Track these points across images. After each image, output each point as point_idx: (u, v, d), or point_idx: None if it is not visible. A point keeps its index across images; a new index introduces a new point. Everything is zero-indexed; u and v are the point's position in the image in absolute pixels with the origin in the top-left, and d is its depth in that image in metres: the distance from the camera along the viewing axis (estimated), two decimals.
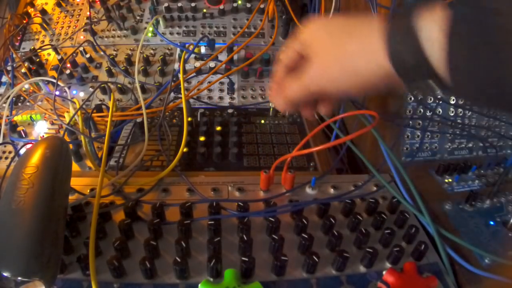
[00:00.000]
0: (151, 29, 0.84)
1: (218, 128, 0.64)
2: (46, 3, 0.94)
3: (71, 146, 0.58)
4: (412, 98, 0.61)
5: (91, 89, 0.73)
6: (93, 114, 0.63)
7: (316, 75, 0.36)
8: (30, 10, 0.92)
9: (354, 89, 0.35)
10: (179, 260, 0.38)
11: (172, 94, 0.69)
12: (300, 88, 0.38)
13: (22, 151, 0.54)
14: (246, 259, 0.39)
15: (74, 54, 0.79)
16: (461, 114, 0.65)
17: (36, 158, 0.38)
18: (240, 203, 0.46)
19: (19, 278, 0.33)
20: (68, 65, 0.77)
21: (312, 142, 0.63)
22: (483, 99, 0.28)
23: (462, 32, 0.26)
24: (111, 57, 0.78)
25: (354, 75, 0.34)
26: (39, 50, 0.81)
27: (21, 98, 0.71)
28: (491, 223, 0.50)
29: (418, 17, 0.29)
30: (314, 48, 0.36)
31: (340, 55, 0.34)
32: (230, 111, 0.69)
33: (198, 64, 0.78)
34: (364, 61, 0.32)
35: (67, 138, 0.61)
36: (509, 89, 0.26)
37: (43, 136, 0.64)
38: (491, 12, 0.24)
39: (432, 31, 0.28)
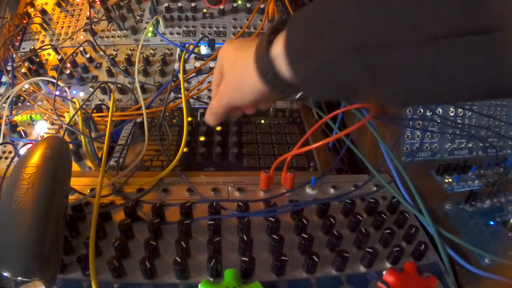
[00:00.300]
0: (151, 29, 0.84)
1: (218, 128, 0.64)
2: (46, 3, 0.94)
3: (71, 146, 0.58)
4: None
5: (91, 89, 0.73)
6: (93, 114, 0.63)
7: (223, 91, 0.42)
8: (30, 10, 0.92)
9: (250, 101, 0.40)
10: (179, 260, 0.38)
11: (172, 94, 0.69)
12: (217, 103, 0.44)
13: (22, 151, 0.54)
14: (246, 259, 0.39)
15: (74, 54, 0.79)
16: (461, 114, 0.65)
17: (36, 158, 0.38)
18: (240, 203, 0.46)
19: (19, 278, 0.33)
20: (68, 65, 0.77)
21: (312, 141, 0.63)
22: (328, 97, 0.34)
23: (293, 45, 0.31)
24: (111, 57, 0.78)
25: (242, 90, 0.39)
26: (39, 50, 0.81)
27: (21, 98, 0.71)
28: (491, 223, 0.50)
29: (271, 40, 0.34)
30: (224, 67, 0.42)
31: (235, 73, 0.40)
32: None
33: (198, 64, 0.78)
34: (248, 78, 0.37)
35: (67, 138, 0.61)
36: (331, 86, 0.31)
37: (43, 136, 0.64)
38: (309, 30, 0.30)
39: (278, 50, 0.33)
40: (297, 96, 0.37)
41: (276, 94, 0.37)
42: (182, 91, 0.62)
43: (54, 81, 0.66)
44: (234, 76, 0.40)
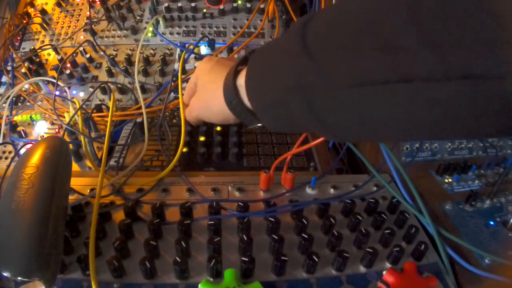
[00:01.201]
0: (151, 29, 0.84)
1: (218, 128, 0.64)
2: (46, 3, 0.94)
3: (71, 146, 0.58)
4: None
5: (91, 89, 0.73)
6: (93, 114, 0.63)
7: (193, 105, 0.46)
8: (30, 10, 0.92)
9: (219, 121, 0.43)
10: (179, 260, 0.38)
11: (172, 94, 0.69)
12: (189, 113, 0.48)
13: (22, 151, 0.54)
14: (246, 259, 0.39)
15: (74, 54, 0.79)
16: None
17: (36, 158, 0.38)
18: (240, 203, 0.46)
19: (19, 278, 0.33)
20: (68, 65, 0.77)
21: (311, 138, 0.63)
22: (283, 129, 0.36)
23: (251, 80, 0.34)
24: (111, 57, 0.78)
25: (210, 110, 0.42)
26: (39, 50, 0.81)
27: (21, 98, 0.71)
28: (491, 223, 0.50)
29: (239, 71, 0.37)
30: (198, 83, 0.45)
31: (206, 93, 0.43)
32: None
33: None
34: (217, 101, 0.39)
35: (67, 138, 0.61)
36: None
37: (43, 136, 0.64)
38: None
39: (241, 81, 0.35)
40: (258, 125, 0.39)
41: (240, 119, 0.39)
42: (179, 91, 0.62)
43: (54, 81, 0.65)
44: (204, 95, 0.43)
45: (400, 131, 0.27)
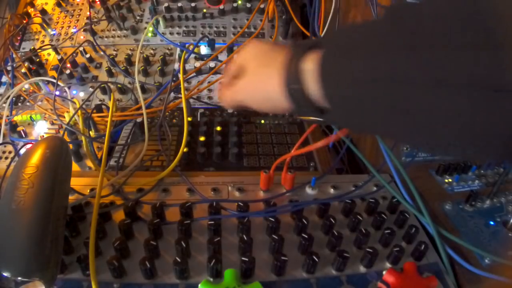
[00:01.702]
0: (151, 29, 0.84)
1: (218, 128, 0.64)
2: (46, 3, 0.94)
3: (71, 146, 0.58)
4: None
5: (91, 89, 0.73)
6: (93, 114, 0.63)
7: (238, 89, 0.42)
8: (30, 10, 0.92)
9: (266, 109, 0.39)
10: (179, 260, 0.38)
11: (172, 94, 0.69)
12: (231, 96, 0.43)
13: (22, 151, 0.54)
14: (246, 259, 0.39)
15: (74, 54, 0.79)
16: None
17: (36, 158, 0.38)
18: (240, 203, 0.46)
19: (19, 278, 0.33)
20: (68, 65, 0.77)
21: (312, 141, 0.64)
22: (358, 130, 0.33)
23: (330, 62, 0.30)
24: (111, 57, 0.78)
25: (262, 99, 0.38)
26: (39, 50, 0.81)
27: (21, 98, 0.71)
28: (491, 223, 0.50)
29: (305, 55, 0.33)
30: (247, 65, 0.41)
31: (258, 76, 0.39)
32: (230, 111, 0.69)
33: (198, 64, 0.78)
34: (270, 86, 0.36)
35: (67, 138, 0.61)
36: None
37: (43, 136, 0.64)
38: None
39: (310, 66, 0.32)
40: (312, 118, 0.35)
41: (292, 108, 0.35)
42: (182, 91, 0.62)
43: (54, 81, 0.66)
44: (256, 78, 0.39)
45: (489, 139, 0.24)
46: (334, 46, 0.31)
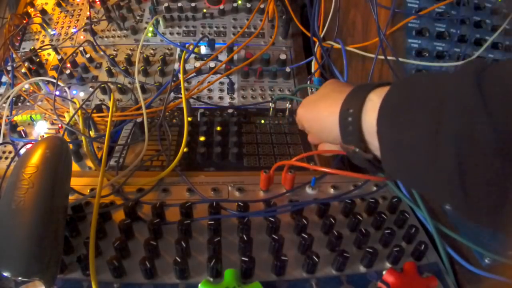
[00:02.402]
0: (151, 29, 0.84)
1: (218, 128, 0.64)
2: (46, 3, 0.94)
3: (71, 146, 0.58)
4: None
5: (91, 89, 0.73)
6: (93, 114, 0.63)
7: (312, 138, 0.48)
8: (30, 10, 0.92)
9: (325, 138, 0.41)
10: (179, 260, 0.38)
11: (172, 94, 0.69)
12: (312, 140, 0.50)
13: (22, 151, 0.54)
14: (246, 259, 0.39)
15: (74, 54, 0.79)
16: None
17: (36, 158, 0.38)
18: (240, 203, 0.46)
19: (19, 278, 0.33)
20: (68, 65, 0.77)
21: (318, 159, 0.63)
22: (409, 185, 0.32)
23: (395, 107, 0.28)
24: (111, 57, 0.79)
25: (329, 133, 0.38)
26: (39, 50, 0.81)
27: (21, 98, 0.72)
28: None
29: (373, 89, 0.32)
30: (305, 126, 0.46)
31: (319, 123, 0.40)
32: (230, 111, 0.69)
33: (198, 64, 0.78)
34: (331, 124, 0.36)
35: (67, 138, 0.61)
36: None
37: (43, 136, 0.64)
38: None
39: (372, 98, 0.31)
40: (367, 157, 0.33)
41: (343, 145, 0.35)
42: (182, 91, 0.62)
43: (54, 81, 0.66)
44: (316, 126, 0.41)
45: None
46: (404, 86, 0.29)
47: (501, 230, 0.26)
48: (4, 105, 0.66)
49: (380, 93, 0.30)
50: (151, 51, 0.82)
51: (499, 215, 0.23)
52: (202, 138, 0.62)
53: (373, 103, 0.30)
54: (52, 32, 0.87)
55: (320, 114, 0.39)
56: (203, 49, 0.81)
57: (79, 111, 0.58)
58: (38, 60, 0.79)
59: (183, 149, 0.55)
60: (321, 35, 0.78)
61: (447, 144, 0.23)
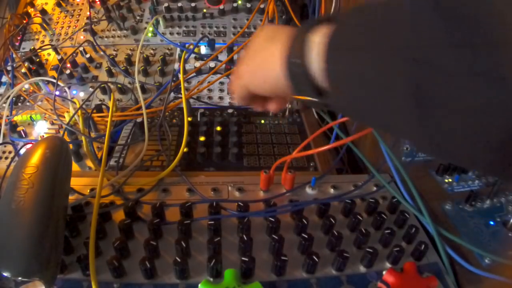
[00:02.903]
0: (151, 29, 0.84)
1: (218, 128, 0.64)
2: (46, 3, 0.94)
3: (71, 146, 0.58)
4: None
5: (91, 89, 0.73)
6: (93, 114, 0.63)
7: (242, 72, 0.39)
8: (30, 10, 0.92)
9: (266, 90, 0.37)
10: (179, 260, 0.38)
11: (172, 94, 0.69)
12: (237, 83, 0.41)
13: (22, 151, 0.54)
14: (246, 259, 0.39)
15: (74, 54, 0.79)
16: None
17: (36, 158, 0.38)
18: (240, 203, 0.46)
19: (19, 278, 0.33)
20: (68, 65, 0.77)
21: (312, 143, 0.63)
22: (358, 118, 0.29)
23: (342, 34, 0.27)
24: (111, 57, 0.79)
25: (263, 78, 0.36)
26: (39, 50, 0.81)
27: (21, 98, 0.71)
28: (491, 223, 0.50)
29: (315, 29, 0.30)
30: (251, 44, 0.39)
31: (257, 56, 0.37)
32: (230, 111, 0.69)
33: (198, 64, 0.78)
34: (270, 66, 0.34)
35: (67, 138, 0.61)
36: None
37: (43, 136, 0.64)
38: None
39: (316, 40, 0.29)
40: (309, 98, 0.32)
41: (290, 87, 0.33)
42: (182, 91, 0.62)
43: (54, 81, 0.66)
44: (259, 55, 0.37)
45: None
46: (348, 21, 0.28)
47: (454, 156, 0.25)
48: (4, 105, 0.66)
49: (322, 33, 0.29)
50: (151, 51, 0.82)
51: (453, 141, 0.23)
52: (202, 138, 0.62)
53: (318, 45, 0.29)
54: (52, 32, 0.87)
55: (264, 65, 0.36)
56: (203, 49, 0.81)
57: (79, 111, 0.58)
58: (38, 60, 0.79)
59: (183, 149, 0.55)
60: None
61: (404, 68, 0.22)
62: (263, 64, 0.36)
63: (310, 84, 0.30)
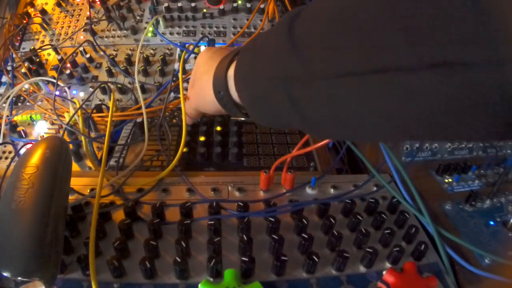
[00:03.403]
0: (151, 29, 0.84)
1: (218, 128, 0.64)
2: (46, 3, 0.94)
3: (71, 146, 0.58)
4: None
5: (91, 89, 0.73)
6: (93, 114, 0.63)
7: (191, 96, 0.47)
8: (30, 10, 0.92)
9: (211, 111, 0.44)
10: (179, 260, 0.38)
11: (172, 94, 0.69)
12: (189, 105, 0.50)
13: (22, 151, 0.54)
14: (246, 259, 0.39)
15: (74, 54, 0.79)
16: None
17: (36, 158, 0.38)
18: (240, 203, 0.46)
19: (19, 278, 0.33)
20: (68, 65, 0.77)
21: (312, 141, 0.63)
22: (270, 124, 0.37)
23: (240, 71, 0.34)
24: (111, 57, 0.78)
25: (204, 100, 0.42)
26: (39, 50, 0.81)
27: (21, 98, 0.71)
28: (491, 223, 0.50)
29: (231, 63, 0.37)
30: (195, 73, 0.46)
31: (201, 82, 0.43)
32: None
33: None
34: (208, 91, 0.40)
35: (67, 138, 0.61)
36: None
37: (43, 136, 0.64)
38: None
39: (231, 72, 0.36)
40: (242, 118, 0.40)
41: (226, 111, 0.40)
42: (181, 91, 0.62)
43: (54, 81, 0.66)
44: (199, 85, 0.44)
45: (377, 127, 0.27)
46: (245, 52, 0.35)
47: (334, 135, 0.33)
48: (4, 105, 0.66)
49: (233, 67, 0.35)
50: (151, 51, 0.82)
51: (329, 124, 0.29)
52: (202, 138, 0.62)
53: (231, 79, 0.36)
54: (52, 32, 0.87)
55: (203, 92, 0.42)
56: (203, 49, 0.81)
57: (79, 111, 0.58)
58: (38, 60, 0.79)
59: (182, 148, 0.55)
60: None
61: (278, 87, 0.29)
62: (202, 91, 0.42)
63: (237, 107, 0.38)
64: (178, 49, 0.81)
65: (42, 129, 0.66)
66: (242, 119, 0.40)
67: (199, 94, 0.44)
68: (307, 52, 0.27)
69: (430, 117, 0.23)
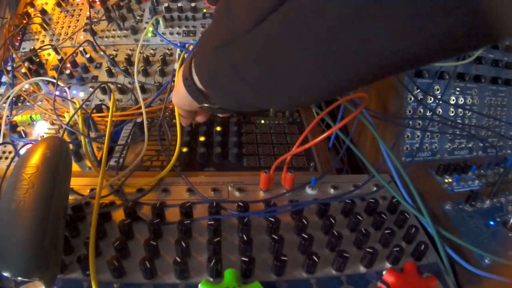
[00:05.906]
0: (151, 29, 0.84)
1: (218, 128, 0.64)
2: (46, 3, 0.94)
3: (71, 146, 0.58)
4: (412, 98, 0.61)
5: (91, 89, 0.73)
6: (93, 114, 0.63)
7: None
8: (30, 10, 0.92)
9: (186, 106, 0.47)
10: (179, 260, 0.39)
11: (172, 94, 0.69)
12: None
13: (22, 151, 0.54)
14: (246, 259, 0.39)
15: (74, 54, 0.79)
16: (461, 114, 0.65)
17: (36, 158, 0.38)
18: (240, 203, 0.46)
19: (19, 278, 0.33)
20: (68, 65, 0.77)
21: (311, 138, 0.63)
22: (234, 108, 0.41)
23: (197, 53, 0.38)
24: (111, 57, 0.78)
25: (180, 97, 0.44)
26: (39, 50, 0.81)
27: (21, 98, 0.71)
28: (491, 223, 0.50)
29: (193, 56, 0.40)
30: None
31: (178, 79, 0.44)
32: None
33: None
34: (181, 91, 0.42)
35: (67, 138, 0.61)
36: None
37: (43, 136, 0.64)
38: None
39: (193, 66, 0.39)
40: (206, 105, 0.42)
41: (193, 99, 0.42)
42: None
43: (54, 81, 0.66)
44: (177, 82, 0.45)
45: (307, 68, 0.26)
46: (202, 36, 0.38)
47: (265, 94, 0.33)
48: (4, 105, 0.66)
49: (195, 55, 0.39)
50: (151, 51, 0.82)
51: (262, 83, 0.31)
52: (202, 138, 0.62)
53: (194, 66, 0.39)
54: (52, 32, 0.87)
55: (178, 88, 0.44)
56: None
57: (79, 111, 0.58)
58: (38, 60, 0.79)
59: (179, 148, 0.55)
60: None
61: (221, 57, 0.32)
62: (178, 87, 0.45)
63: (202, 94, 0.40)
64: (178, 49, 0.81)
65: (42, 129, 0.66)
66: (206, 105, 0.42)
67: (176, 90, 0.46)
68: (233, 12, 0.29)
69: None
